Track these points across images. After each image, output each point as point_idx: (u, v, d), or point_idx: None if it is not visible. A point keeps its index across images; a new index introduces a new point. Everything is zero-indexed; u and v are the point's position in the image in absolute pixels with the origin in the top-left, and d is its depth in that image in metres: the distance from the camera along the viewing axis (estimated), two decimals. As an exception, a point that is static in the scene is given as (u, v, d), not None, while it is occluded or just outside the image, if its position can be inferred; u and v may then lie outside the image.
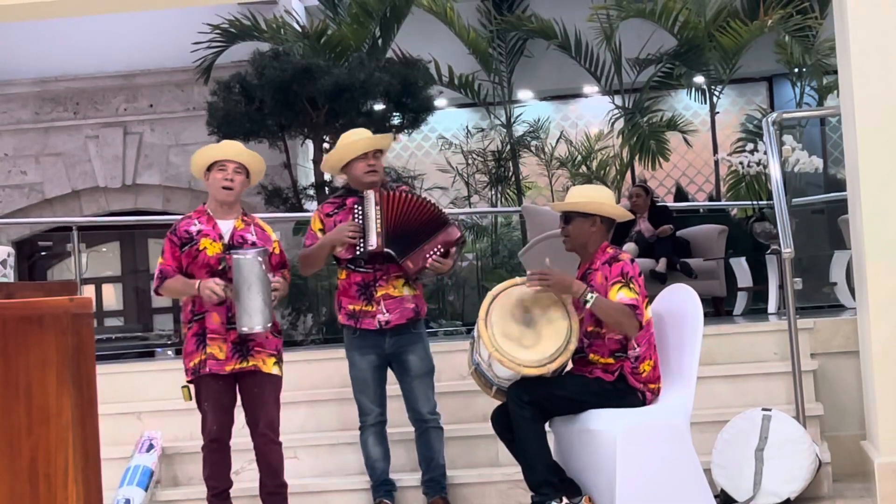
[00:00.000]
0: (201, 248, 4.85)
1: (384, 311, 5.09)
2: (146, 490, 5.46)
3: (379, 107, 10.73)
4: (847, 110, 5.16)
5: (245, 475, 5.37)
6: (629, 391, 4.65)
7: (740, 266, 8.89)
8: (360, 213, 5.05)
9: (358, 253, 5.05)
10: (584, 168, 11.98)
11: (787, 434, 5.02)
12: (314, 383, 6.16)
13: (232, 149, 4.99)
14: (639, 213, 8.82)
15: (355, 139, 5.13)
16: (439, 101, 12.05)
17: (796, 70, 11.79)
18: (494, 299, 4.57)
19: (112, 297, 12.71)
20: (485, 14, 12.35)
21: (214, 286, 4.73)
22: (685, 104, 12.71)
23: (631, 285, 4.54)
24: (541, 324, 4.55)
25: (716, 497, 4.84)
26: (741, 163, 8.61)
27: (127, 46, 12.12)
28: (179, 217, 5.07)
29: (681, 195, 11.99)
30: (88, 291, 11.05)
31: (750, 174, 8.75)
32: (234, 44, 11.12)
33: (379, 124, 10.28)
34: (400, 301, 5.12)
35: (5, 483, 2.18)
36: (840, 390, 5.81)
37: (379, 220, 5.02)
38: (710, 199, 12.09)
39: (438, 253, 5.07)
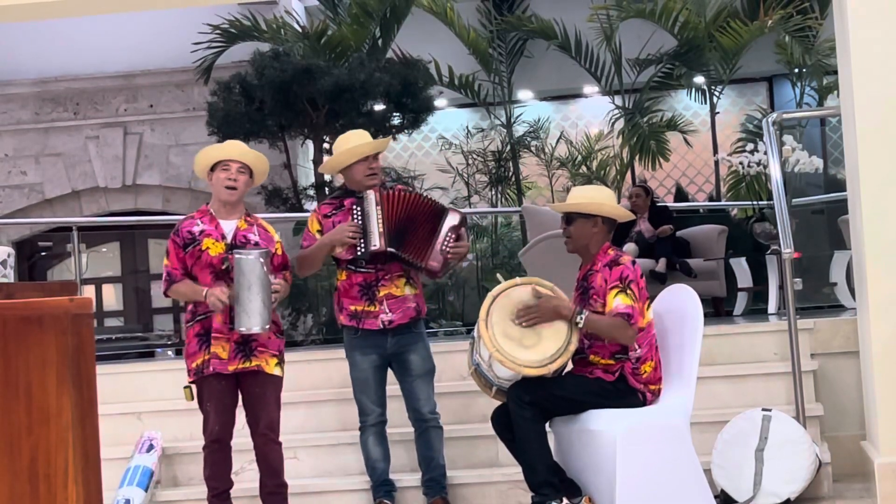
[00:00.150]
0: (204, 248, 4.85)
1: (387, 310, 5.09)
2: (146, 490, 5.46)
3: (379, 107, 10.73)
4: (847, 110, 5.16)
5: (245, 475, 5.37)
6: (629, 391, 4.65)
7: (740, 266, 8.89)
8: (359, 213, 5.05)
9: (359, 253, 5.05)
10: (584, 168, 11.97)
11: (787, 434, 5.02)
12: (314, 383, 6.16)
13: (236, 149, 4.99)
14: (639, 213, 8.82)
15: (356, 144, 5.13)
16: (439, 102, 12.05)
17: (796, 70, 11.79)
18: (495, 300, 4.57)
19: (112, 297, 12.71)
20: (485, 14, 12.35)
21: (221, 295, 4.73)
22: (685, 104, 12.71)
23: (629, 291, 4.54)
24: (541, 324, 4.55)
25: (716, 497, 4.84)
26: (741, 163, 8.61)
27: (127, 46, 12.12)
28: (182, 217, 5.07)
29: (681, 195, 11.99)
30: (88, 291, 11.05)
31: (750, 174, 8.76)
32: (234, 44, 11.11)
33: (379, 124, 10.28)
34: (402, 300, 5.12)
35: (5, 483, 2.18)
36: (840, 391, 5.81)
37: (381, 220, 5.02)
38: (710, 199, 12.09)
39: (452, 241, 5.08)
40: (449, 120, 12.87)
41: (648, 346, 4.67)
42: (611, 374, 4.65)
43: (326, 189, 10.43)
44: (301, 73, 9.91)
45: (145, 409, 6.15)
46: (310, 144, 11.08)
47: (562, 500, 4.55)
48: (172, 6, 8.71)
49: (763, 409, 5.11)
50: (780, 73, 12.58)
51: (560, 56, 11.97)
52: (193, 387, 4.91)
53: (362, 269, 5.10)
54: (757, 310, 8.91)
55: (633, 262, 4.69)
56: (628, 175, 11.76)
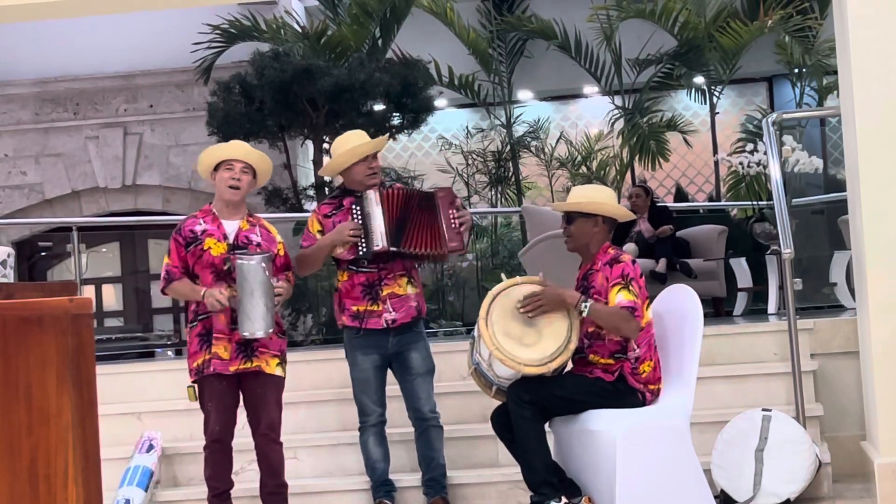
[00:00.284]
0: (206, 247, 4.85)
1: (390, 309, 5.09)
2: (146, 490, 5.46)
3: (379, 107, 10.72)
4: (847, 110, 5.16)
5: (245, 475, 5.37)
6: (629, 391, 4.65)
7: (740, 266, 8.89)
8: (359, 213, 5.05)
9: (361, 253, 5.04)
10: (584, 168, 11.97)
11: (787, 434, 5.02)
12: (314, 384, 6.16)
13: (240, 149, 5.00)
14: (639, 213, 8.82)
15: (356, 144, 5.13)
16: (439, 102, 12.05)
17: (796, 70, 11.79)
18: (495, 298, 4.57)
19: (112, 297, 12.71)
20: (485, 14, 12.35)
21: (219, 296, 4.73)
22: (685, 104, 12.71)
23: (630, 287, 4.54)
24: (541, 323, 4.55)
25: (716, 497, 4.84)
26: (741, 163, 8.61)
27: (127, 47, 12.12)
28: (185, 217, 5.07)
29: (681, 195, 11.99)
30: (88, 292, 11.05)
31: (750, 174, 8.75)
32: (233, 44, 11.11)
33: (379, 125, 10.28)
34: (405, 300, 5.13)
35: (5, 484, 2.18)
36: (840, 391, 5.81)
37: (383, 220, 5.02)
38: (710, 199, 12.09)
39: (455, 215, 5.08)
40: (449, 120, 12.87)
41: (647, 346, 4.67)
42: (610, 374, 4.65)
43: (326, 189, 10.43)
44: (301, 73, 9.91)
45: (145, 409, 6.15)
46: (310, 145, 11.08)
47: (561, 500, 4.55)
48: (172, 6, 8.70)
49: (763, 410, 5.11)
50: (780, 74, 12.58)
51: (560, 56, 11.97)
52: (196, 386, 4.91)
53: (364, 269, 5.10)
54: (757, 310, 8.91)
55: (633, 262, 4.69)
56: (628, 175, 11.76)
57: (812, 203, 10.23)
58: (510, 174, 11.88)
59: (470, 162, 11.82)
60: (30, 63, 12.33)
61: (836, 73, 6.04)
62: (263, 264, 4.69)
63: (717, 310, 8.79)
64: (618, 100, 11.93)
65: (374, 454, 5.22)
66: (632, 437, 4.54)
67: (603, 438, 4.55)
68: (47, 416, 2.20)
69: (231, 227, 4.92)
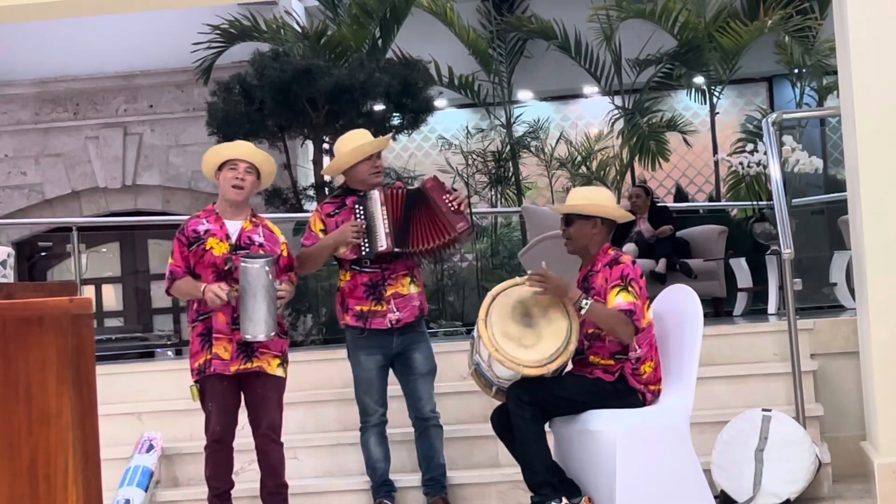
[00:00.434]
0: (208, 247, 4.86)
1: (394, 309, 5.09)
2: (146, 491, 5.46)
3: (379, 107, 10.72)
4: (847, 110, 5.16)
5: (245, 475, 5.37)
6: (629, 392, 4.65)
7: (740, 267, 8.89)
8: (362, 212, 5.05)
9: (363, 253, 5.04)
10: (583, 168, 11.97)
11: (787, 435, 5.02)
12: (314, 384, 6.16)
13: (244, 149, 5.00)
14: (639, 213, 8.82)
15: (361, 143, 5.12)
16: (439, 102, 12.04)
17: (796, 70, 11.79)
18: (494, 299, 4.58)
19: (112, 297, 12.71)
20: (485, 15, 12.34)
21: (219, 290, 4.73)
22: (685, 105, 12.71)
23: (630, 289, 4.54)
24: (541, 324, 4.55)
25: (715, 497, 4.84)
26: (741, 163, 8.61)
27: (127, 47, 12.12)
28: (188, 216, 5.08)
29: (681, 196, 11.99)
30: (88, 292, 11.05)
31: (750, 175, 8.75)
32: (233, 44, 11.11)
33: (379, 125, 10.27)
34: (409, 299, 5.13)
35: (5, 484, 2.17)
36: (840, 391, 5.81)
37: (386, 220, 5.02)
38: (710, 199, 12.09)
39: (450, 199, 5.07)
40: (449, 120, 12.87)
41: (648, 347, 4.67)
42: (611, 375, 4.65)
43: (326, 189, 10.43)
44: (301, 73, 9.91)
45: (145, 409, 6.14)
46: (310, 145, 11.08)
47: (561, 501, 4.55)
48: (172, 6, 8.71)
49: (763, 410, 5.11)
50: (779, 74, 12.57)
51: (560, 56, 11.97)
52: (198, 385, 4.91)
53: (368, 269, 5.09)
54: (757, 310, 8.90)
55: (634, 262, 4.69)
56: (628, 175, 11.76)
57: (812, 203, 10.22)
58: (510, 174, 11.88)
59: (470, 162, 11.81)
60: (30, 63, 12.33)
61: (836, 73, 6.04)
62: (267, 268, 4.69)
63: (717, 310, 8.79)
64: (618, 100, 11.94)
65: (375, 454, 5.22)
66: (632, 437, 4.54)
67: (603, 438, 4.55)
68: (47, 416, 2.20)
69: (234, 227, 4.92)
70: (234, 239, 4.89)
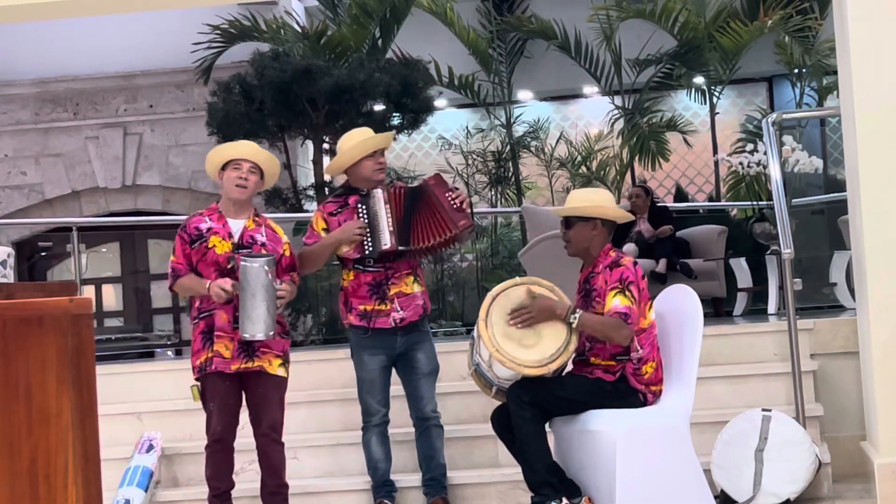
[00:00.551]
0: (210, 245, 4.86)
1: (398, 308, 5.09)
2: (146, 491, 5.46)
3: (379, 107, 10.72)
4: (847, 110, 5.15)
5: (246, 475, 5.37)
6: (629, 392, 4.65)
7: (740, 267, 8.89)
8: (365, 211, 5.05)
9: (367, 252, 5.04)
10: (583, 169, 11.97)
11: (787, 435, 5.02)
12: (315, 384, 6.15)
13: (248, 148, 5.01)
14: (639, 213, 8.82)
15: (364, 139, 5.12)
16: (439, 102, 12.04)
17: (796, 70, 11.79)
18: (494, 300, 4.57)
19: (112, 297, 12.71)
20: (485, 15, 12.35)
21: (224, 285, 4.74)
22: (685, 105, 12.71)
23: (627, 292, 4.54)
24: (541, 324, 4.55)
25: (716, 497, 4.84)
26: (741, 163, 8.61)
27: (127, 47, 12.11)
28: (190, 215, 5.08)
29: (681, 196, 11.99)
30: (88, 292, 11.05)
31: (750, 175, 8.75)
32: (233, 44, 11.11)
33: (379, 125, 10.26)
34: (412, 298, 5.13)
35: (5, 484, 2.17)
36: (840, 391, 5.81)
37: (390, 218, 5.02)
38: (710, 199, 12.09)
39: (453, 197, 5.07)
40: (449, 120, 12.87)
41: (650, 347, 4.67)
42: (611, 375, 4.65)
43: (326, 189, 10.43)
44: (301, 73, 9.91)
45: (145, 409, 6.14)
46: (310, 145, 11.08)
47: (561, 501, 4.55)
48: (172, 6, 8.71)
49: (763, 410, 5.11)
50: (779, 74, 12.57)
51: (560, 56, 11.97)
52: (199, 385, 4.91)
53: (371, 269, 5.09)
54: (757, 310, 8.90)
55: (635, 264, 4.69)
56: (628, 175, 11.76)
57: (812, 203, 10.23)
58: (510, 174, 11.88)
59: (470, 162, 11.82)
60: (30, 63, 12.33)
61: (836, 73, 6.04)
62: (266, 267, 4.69)
63: (717, 310, 8.79)
64: (618, 100, 11.94)
65: (377, 454, 5.22)
66: (632, 437, 4.54)
67: (603, 438, 4.55)
68: (47, 416, 2.20)
69: (236, 226, 4.93)
70: (236, 238, 4.90)
